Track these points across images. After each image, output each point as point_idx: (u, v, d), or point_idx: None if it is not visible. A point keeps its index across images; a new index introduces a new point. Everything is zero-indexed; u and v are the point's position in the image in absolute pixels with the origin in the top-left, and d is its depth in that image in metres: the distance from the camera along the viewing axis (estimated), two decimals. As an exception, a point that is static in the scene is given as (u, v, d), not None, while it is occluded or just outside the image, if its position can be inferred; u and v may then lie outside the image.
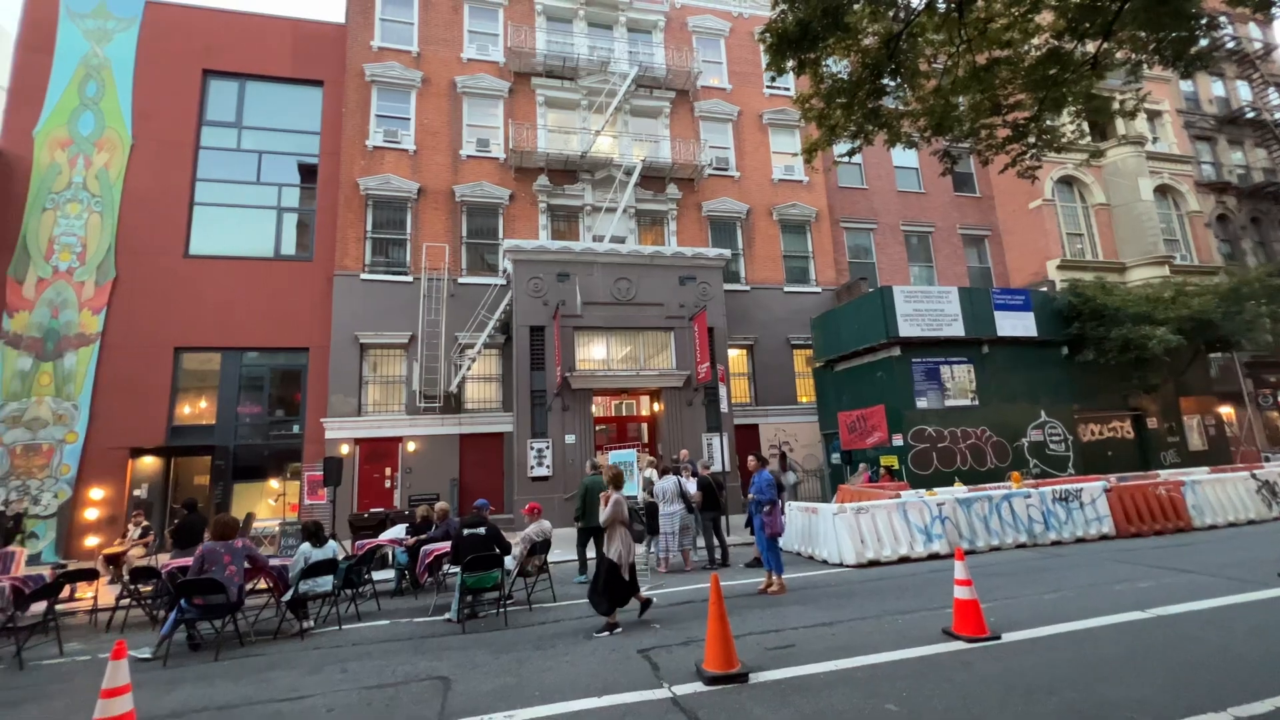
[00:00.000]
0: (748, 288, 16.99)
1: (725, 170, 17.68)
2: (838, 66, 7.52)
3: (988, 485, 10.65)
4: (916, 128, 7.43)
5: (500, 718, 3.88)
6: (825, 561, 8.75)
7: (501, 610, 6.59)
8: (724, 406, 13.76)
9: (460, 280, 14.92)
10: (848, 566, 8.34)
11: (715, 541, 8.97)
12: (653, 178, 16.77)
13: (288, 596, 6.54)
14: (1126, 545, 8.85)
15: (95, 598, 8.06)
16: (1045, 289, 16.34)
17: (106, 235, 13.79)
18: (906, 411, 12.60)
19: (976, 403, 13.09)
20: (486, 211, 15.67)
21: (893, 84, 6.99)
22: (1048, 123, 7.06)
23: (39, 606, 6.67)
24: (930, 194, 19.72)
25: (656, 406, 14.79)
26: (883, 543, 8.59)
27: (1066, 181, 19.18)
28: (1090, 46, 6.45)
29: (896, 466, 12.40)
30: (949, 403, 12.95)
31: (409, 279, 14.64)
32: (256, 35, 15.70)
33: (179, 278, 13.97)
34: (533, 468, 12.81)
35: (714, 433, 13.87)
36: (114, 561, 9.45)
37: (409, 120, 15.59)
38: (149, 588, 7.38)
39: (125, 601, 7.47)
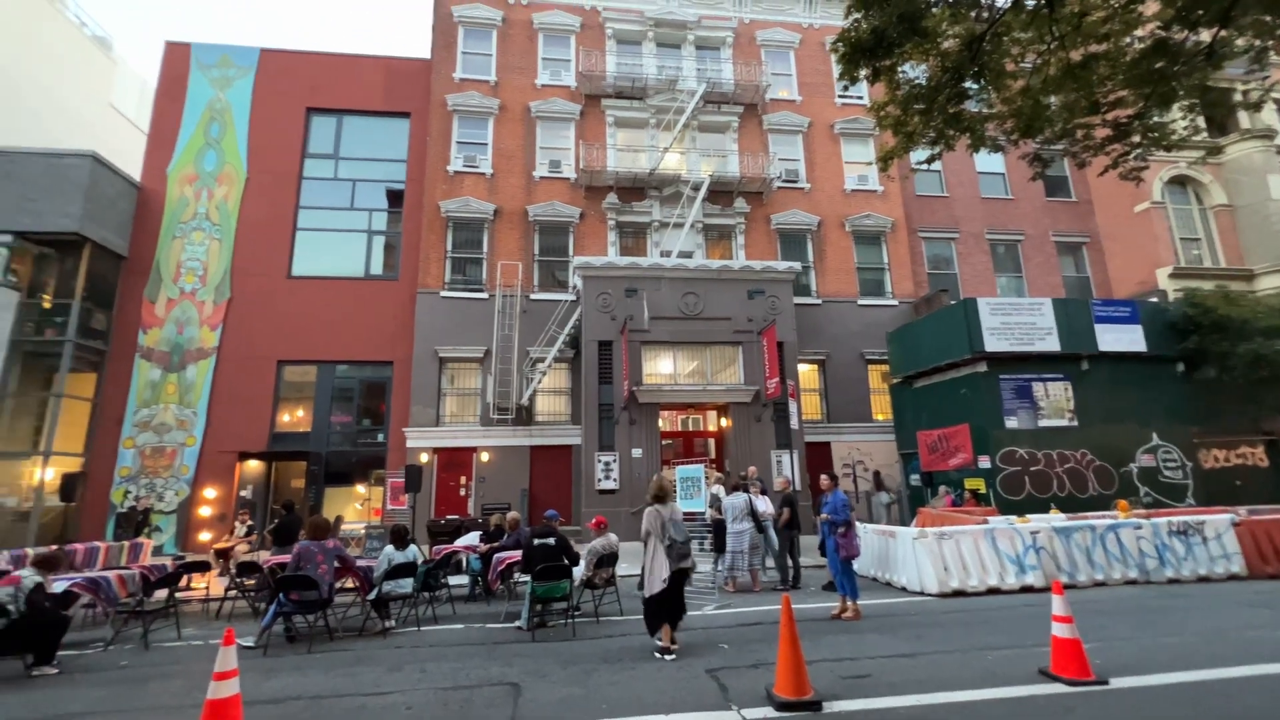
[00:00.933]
0: (819, 301, 16.56)
1: (795, 182, 17.41)
2: (915, 72, 7.27)
3: (1090, 514, 9.75)
4: (1002, 130, 7.04)
5: (569, 728, 3.92)
6: (904, 589, 8.29)
7: (570, 621, 6.67)
8: (794, 423, 13.41)
9: (532, 296, 15.45)
10: (929, 595, 7.86)
11: (788, 561, 8.72)
12: (720, 192, 16.77)
13: (372, 596, 6.92)
14: (1262, 588, 7.83)
15: (207, 588, 8.87)
16: (1155, 299, 14.90)
17: (224, 259, 15.33)
18: (994, 431, 11.80)
19: (1075, 423, 12.07)
20: (557, 230, 16.18)
21: (975, 87, 6.68)
22: (1155, 120, 6.49)
23: (161, 593, 7.40)
24: (1019, 200, 18.55)
25: (724, 422, 14.61)
26: (968, 571, 8.04)
27: (1179, 182, 17.48)
28: (1204, 35, 5.89)
29: (983, 490, 11.61)
30: (1043, 423, 12.02)
31: (485, 295, 15.32)
32: (353, 74, 17.10)
33: (282, 296, 15.29)
34: (600, 480, 12.96)
35: (783, 450, 13.53)
36: (223, 556, 10.37)
37: (486, 145, 16.43)
38: (252, 581, 8.03)
39: (232, 593, 8.16)
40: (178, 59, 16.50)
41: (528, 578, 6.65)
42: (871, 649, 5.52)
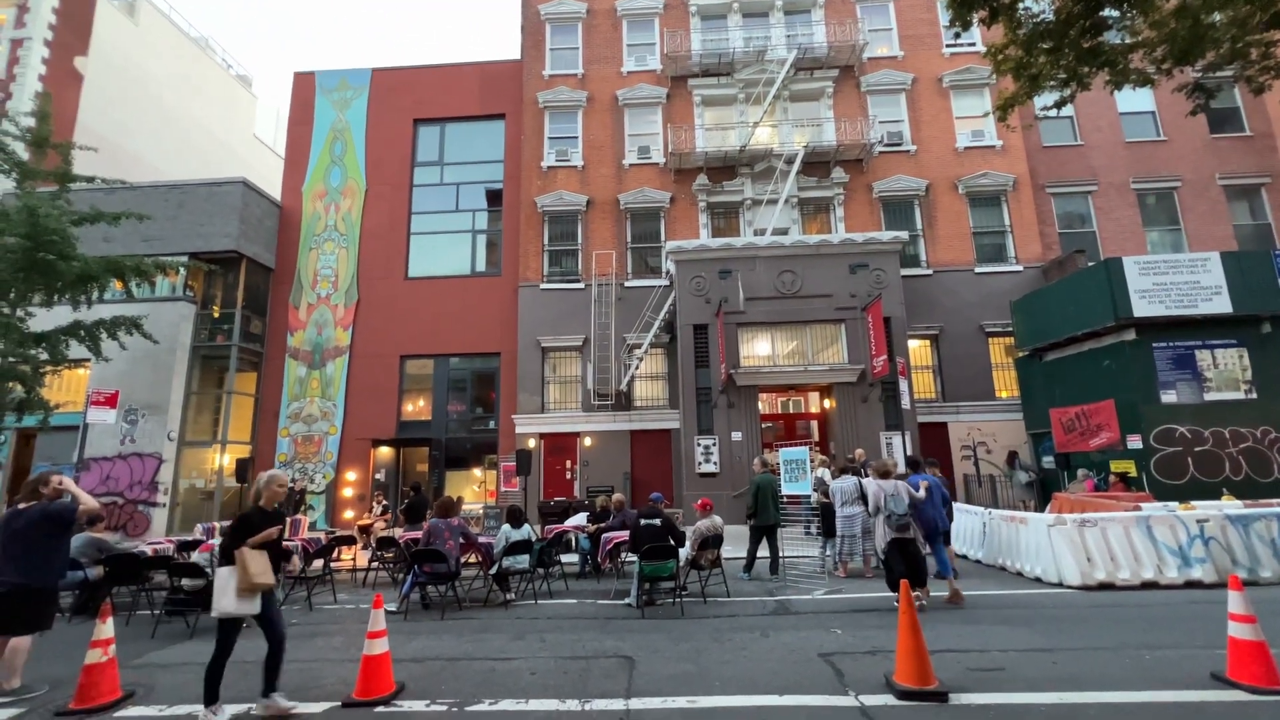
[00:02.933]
0: (929, 271, 15.44)
1: (898, 145, 16.26)
2: (1039, 6, 6.49)
3: (1274, 501, 8.39)
4: (1152, 60, 6.12)
5: (683, 702, 4.03)
6: (1039, 579, 7.63)
7: (678, 600, 6.82)
8: (905, 402, 12.68)
9: (627, 284, 15.71)
10: (1070, 588, 7.18)
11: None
12: (816, 163, 16.04)
13: (493, 570, 7.47)
14: None
15: (354, 559, 9.99)
16: (1365, 245, 12.37)
17: (350, 266, 16.98)
18: (1146, 407, 10.45)
19: (1253, 396, 10.39)
20: (648, 216, 16.28)
21: (1115, 14, 5.86)
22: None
23: (318, 563, 8.45)
24: (1174, 141, 16.09)
25: (827, 403, 14.12)
26: (1117, 563, 7.24)
27: (1398, 99, 14.31)
28: None
29: (1134, 473, 10.34)
30: (1210, 396, 10.47)
31: (581, 286, 15.79)
32: (452, 83, 18.14)
33: (402, 297, 16.68)
34: (700, 464, 13.02)
35: (894, 431, 12.84)
36: (364, 531, 11.62)
37: (577, 138, 16.83)
38: (390, 554, 8.94)
39: (374, 565, 9.14)
40: (304, 87, 18.35)
41: (635, 557, 6.86)
42: (1002, 641, 5.15)
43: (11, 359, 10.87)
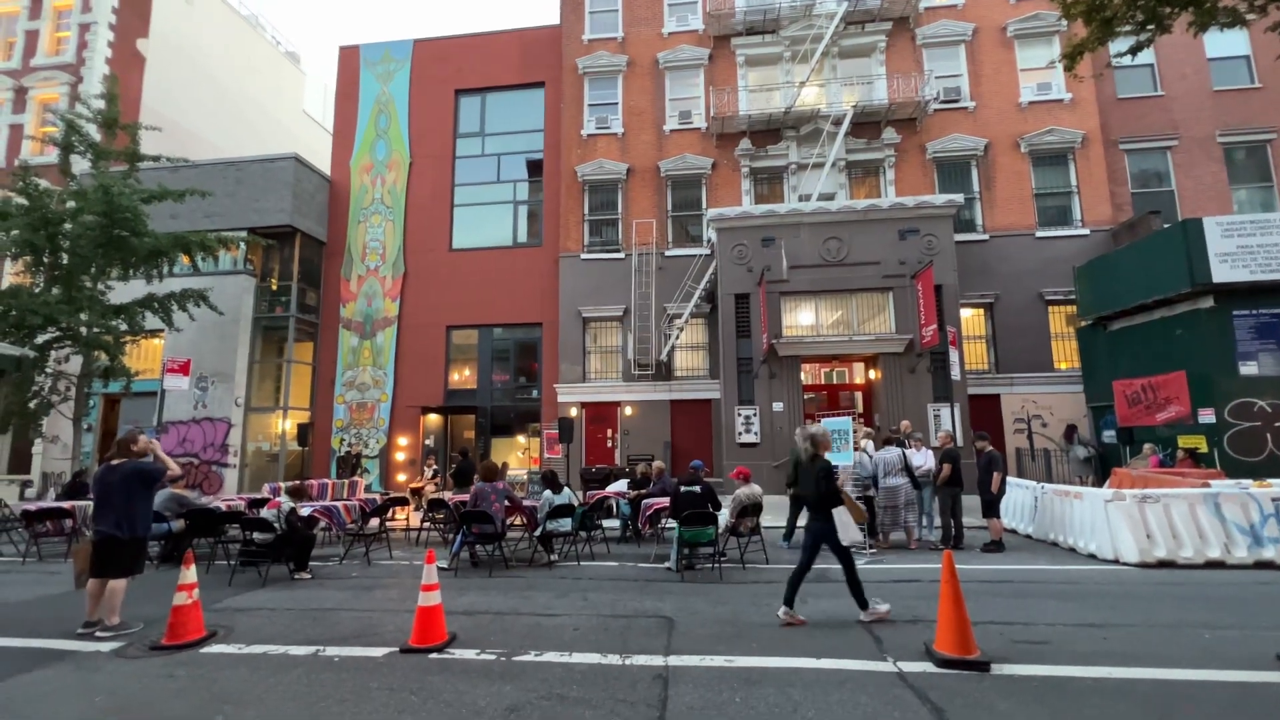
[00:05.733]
0: (985, 236, 14.73)
1: (955, 102, 15.37)
2: (1118, -60, 5.94)
3: (1365, 480, 7.82)
4: (1247, -2, 5.55)
5: (720, 661, 4.15)
6: (1093, 556, 7.40)
7: (717, 565, 6.94)
8: (955, 373, 12.30)
9: (667, 253, 15.61)
10: (1126, 565, 6.94)
11: (950, 520, 8.21)
12: (866, 123, 15.36)
13: (538, 532, 7.76)
14: None
15: (406, 519, 10.54)
16: None
17: (397, 238, 17.42)
18: (1222, 379, 9.82)
19: (1348, 368, 9.60)
20: (689, 183, 16.03)
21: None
22: None
23: (374, 522, 8.96)
24: (1270, 87, 14.64)
25: (872, 374, 13.85)
26: (1180, 540, 6.94)
27: None
28: None
29: (1204, 449, 9.80)
30: (1297, 368, 9.73)
31: (621, 255, 15.78)
32: (491, 51, 18.07)
33: (446, 268, 17.06)
34: (740, 434, 13.04)
35: (942, 403, 12.51)
36: (416, 494, 12.21)
37: (617, 105, 16.59)
38: (440, 515, 9.39)
39: (425, 524, 9.62)
40: (350, 61, 18.63)
41: (675, 523, 7.00)
42: (1050, 615, 5.06)
43: (96, 329, 11.75)
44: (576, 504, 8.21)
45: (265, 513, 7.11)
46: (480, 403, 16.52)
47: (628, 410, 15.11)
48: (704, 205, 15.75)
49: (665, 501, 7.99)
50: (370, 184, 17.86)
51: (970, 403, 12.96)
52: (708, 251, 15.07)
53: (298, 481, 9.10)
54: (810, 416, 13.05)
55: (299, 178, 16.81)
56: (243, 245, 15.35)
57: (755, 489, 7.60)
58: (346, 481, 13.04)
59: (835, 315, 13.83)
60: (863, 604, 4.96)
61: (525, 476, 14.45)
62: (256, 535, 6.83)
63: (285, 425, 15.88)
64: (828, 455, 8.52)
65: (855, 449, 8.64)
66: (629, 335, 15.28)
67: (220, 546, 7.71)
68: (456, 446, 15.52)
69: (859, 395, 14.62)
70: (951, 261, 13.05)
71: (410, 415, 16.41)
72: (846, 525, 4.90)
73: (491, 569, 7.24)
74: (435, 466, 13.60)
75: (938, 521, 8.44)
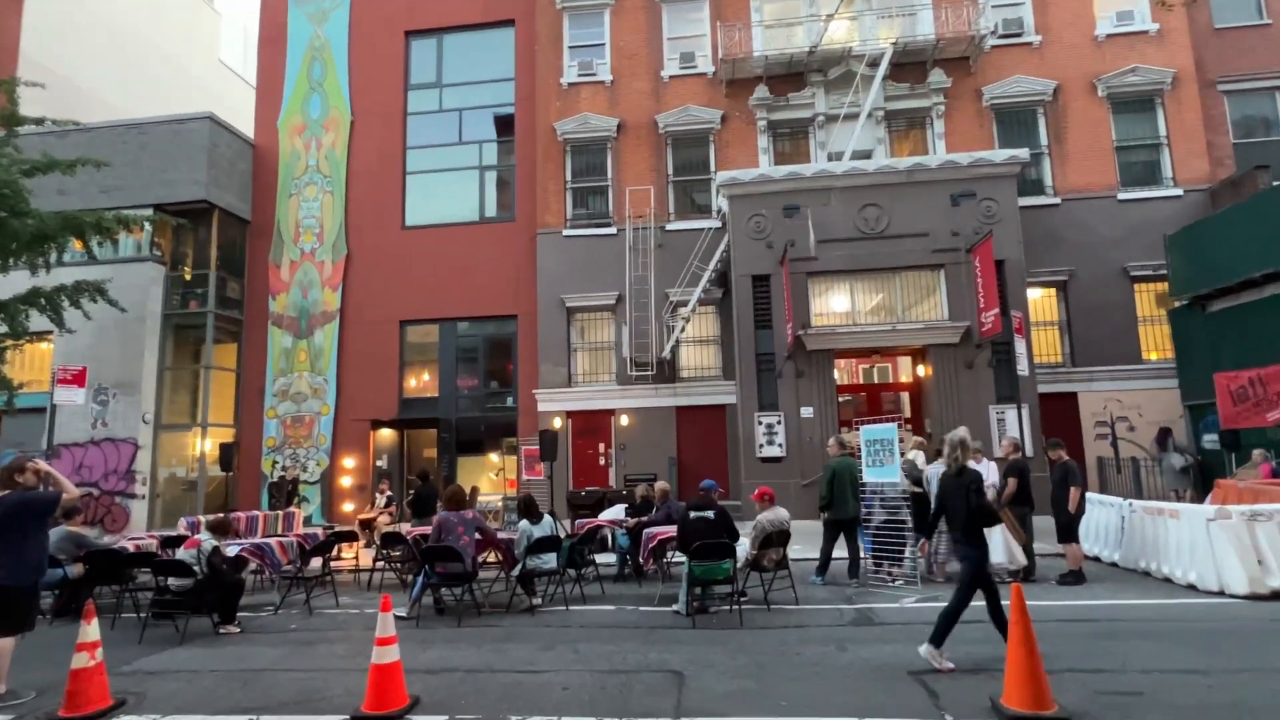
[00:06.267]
0: (1056, 200, 14.77)
1: (1017, 36, 15.40)
2: None
3: None
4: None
5: (742, 723, 4.16)
6: (1193, 586, 7.44)
7: (735, 607, 6.95)
8: (1021, 367, 12.35)
9: (668, 227, 15.63)
10: (1234, 597, 6.98)
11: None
12: (908, 64, 15.37)
13: (516, 571, 7.77)
14: None
15: (356, 558, 10.55)
16: None
17: (337, 214, 17.42)
18: (1347, 370, 9.85)
19: None
20: (694, 141, 16.05)
21: None
22: None
23: (316, 561, 8.96)
24: (1400, 12, 14.70)
25: (921, 370, 13.90)
26: (1299, 567, 6.97)
27: None
28: None
29: (1328, 456, 9.84)
30: None
31: (613, 231, 15.80)
32: (449, -18, 18.04)
33: (398, 250, 17.06)
34: (762, 446, 13.07)
35: (1007, 404, 12.55)
36: (367, 526, 12.21)
37: (603, 46, 16.59)
38: (398, 552, 9.38)
39: (379, 564, 9.62)
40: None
41: (684, 556, 7.01)
42: (1142, 660, 5.08)
43: (-33, 333, 11.70)
44: (563, 536, 8.20)
45: (182, 553, 7.10)
46: (443, 414, 16.53)
47: (624, 420, 15.12)
48: (712, 167, 15.75)
49: (671, 531, 8.00)
50: (303, 148, 17.85)
51: (1041, 403, 12.98)
52: (718, 224, 15.08)
53: (221, 515, 9.10)
54: (847, 424, 13.07)
55: (215, 142, 16.78)
56: (148, 226, 15.22)
57: (781, 513, 7.61)
58: (281, 513, 13.05)
59: (875, 299, 13.83)
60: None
61: (500, 503, 14.47)
62: (172, 581, 6.82)
63: (204, 446, 15.87)
64: (869, 471, 8.59)
65: (901, 461, 8.65)
66: (624, 328, 15.29)
67: (128, 595, 7.69)
68: (415, 468, 15.48)
69: (905, 396, 14.66)
70: (1016, 231, 13.06)
71: (358, 430, 16.41)
72: (1009, 547, 5.00)
73: (461, 617, 7.24)
74: (389, 493, 13.59)
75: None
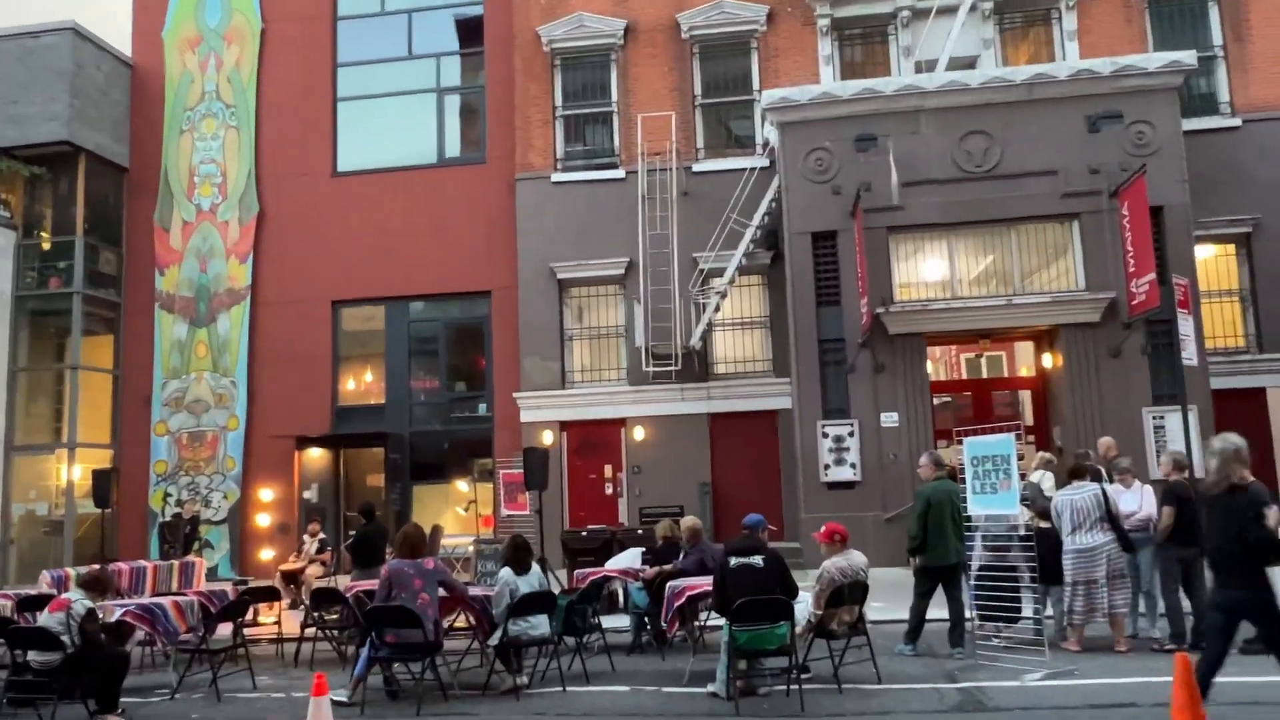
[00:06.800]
0: (1236, 122, 14.61)
1: (1179, -107, 15.20)
2: None
3: None
4: None
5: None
6: None
7: (796, 688, 6.92)
8: (1188, 354, 12.13)
9: (695, 168, 15.57)
10: None
11: (1186, 603, 8.14)
12: (1025, -63, 15.24)
13: (495, 640, 7.78)
14: None
15: (279, 623, 10.62)
16: None
17: (245, 157, 17.52)
18: None
19: None
20: (731, 48, 16.02)
21: None
22: None
23: (224, 629, 9.03)
24: None
25: (1047, 360, 13.82)
26: None
27: None
28: None
29: None
30: None
31: (620, 174, 15.78)
32: None
33: (328, 204, 17.14)
34: (828, 467, 13.01)
35: (1167, 406, 12.44)
36: (292, 581, 12.29)
37: (604, -81, 16.55)
38: (334, 615, 9.42)
39: (310, 631, 9.69)
40: None
41: (723, 619, 6.98)
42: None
43: None
44: (557, 591, 8.17)
45: (46, 618, 7.18)
46: (392, 427, 16.62)
47: (638, 433, 15.14)
48: (756, 85, 15.68)
49: (705, 584, 7.98)
50: (198, 69, 17.96)
51: (1215, 403, 12.85)
52: (764, 163, 15.01)
53: (98, 567, 9.21)
54: (944, 435, 13.00)
55: (80, 63, 16.95)
56: (-9, 178, 15.49)
57: (856, 558, 7.55)
58: (177, 563, 13.15)
59: (983, 263, 13.78)
60: None
61: (471, 548, 14.50)
62: (33, 656, 6.89)
63: (73, 474, 16.07)
64: (977, 500, 8.51)
65: (1023, 486, 8.59)
66: (637, 307, 15.26)
67: (-26, 675, 7.78)
68: (355, 502, 15.59)
69: (1025, 396, 14.56)
70: (1178, 167, 12.95)
71: (278, 451, 16.54)
72: None
73: (421, 701, 7.27)
74: (322, 536, 13.68)
75: (1163, 606, 8.38)
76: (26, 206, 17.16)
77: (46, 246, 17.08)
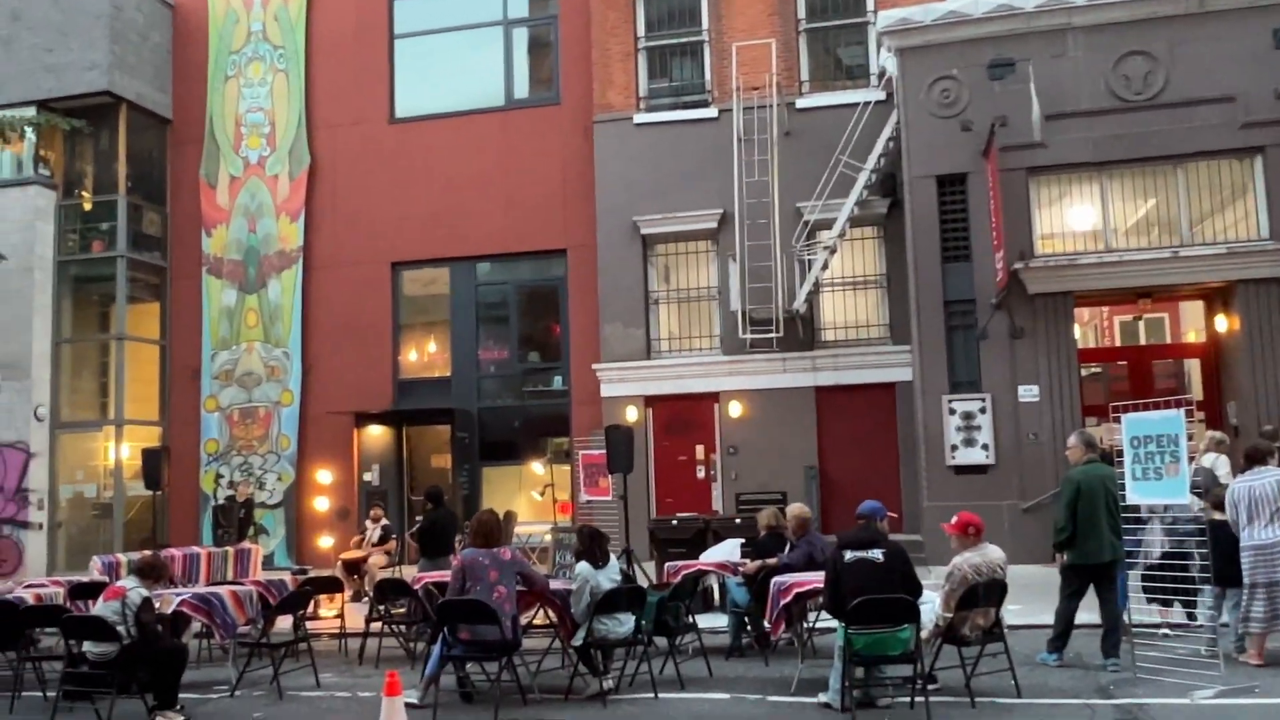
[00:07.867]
0: None
1: None
2: None
3: None
4: None
5: None
6: None
7: (921, 700, 6.84)
8: (1398, 316, 11.61)
9: (799, 104, 15.39)
10: None
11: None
12: None
13: (577, 640, 7.87)
14: None
15: (341, 616, 10.97)
16: None
17: (295, 103, 17.91)
18: None
19: None
20: (840, -37, 15.71)
21: None
22: None
23: (284, 622, 9.34)
24: None
25: (1221, 323, 13.36)
26: None
27: None
28: None
29: None
30: None
31: (712, 113, 15.68)
32: None
33: (387, 156, 17.46)
34: (956, 449, 12.87)
35: (1370, 376, 11.89)
36: (354, 570, 12.66)
37: None
38: (401, 609, 9.67)
39: (376, 625, 9.97)
40: None
41: (835, 619, 6.93)
42: None
43: None
44: (646, 586, 8.21)
45: (101, 607, 7.51)
46: (459, 403, 16.94)
47: (734, 409, 15.12)
48: (870, 4, 15.39)
49: (815, 580, 7.94)
50: (243, 6, 18.40)
51: None
52: (880, 96, 14.76)
53: (151, 553, 9.58)
54: (1097, 411, 12.70)
55: (119, 4, 17.48)
56: (29, 132, 16.06)
57: (992, 554, 7.40)
58: (231, 550, 13.64)
59: (1142, 209, 13.50)
60: None
61: (548, 536, 14.71)
62: (89, 646, 7.22)
63: (121, 453, 16.82)
64: (1137, 488, 8.26)
65: (1193, 470, 8.32)
66: (732, 266, 15.16)
67: (30, 666, 8.20)
68: (421, 484, 15.96)
69: (1193, 366, 14.25)
70: (1388, 87, 12.26)
71: (336, 429, 17.04)
72: None
73: (499, 707, 7.41)
74: (385, 522, 14.02)
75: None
76: (66, 164, 17.83)
77: (88, 207, 17.78)
